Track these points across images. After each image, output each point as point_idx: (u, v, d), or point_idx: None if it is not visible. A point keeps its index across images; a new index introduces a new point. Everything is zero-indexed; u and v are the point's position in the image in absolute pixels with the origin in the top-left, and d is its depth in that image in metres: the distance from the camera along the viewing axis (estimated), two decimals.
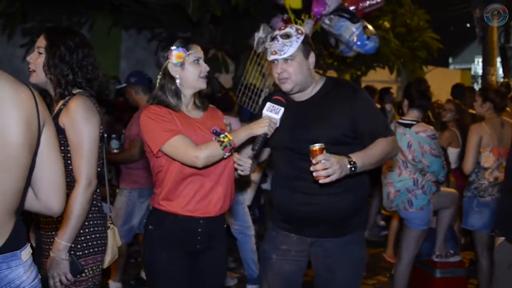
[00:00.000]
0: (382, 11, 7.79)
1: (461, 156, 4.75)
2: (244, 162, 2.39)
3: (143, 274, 4.44)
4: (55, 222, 2.28)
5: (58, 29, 2.49)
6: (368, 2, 5.03)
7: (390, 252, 5.40)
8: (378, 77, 10.77)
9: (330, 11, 4.77)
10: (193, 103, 2.51)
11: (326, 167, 2.19)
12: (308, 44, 2.47)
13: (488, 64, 11.64)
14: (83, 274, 2.32)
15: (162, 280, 2.44)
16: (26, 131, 1.54)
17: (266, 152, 2.77)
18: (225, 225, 2.66)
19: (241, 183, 4.21)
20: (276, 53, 2.42)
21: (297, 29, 2.46)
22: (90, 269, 2.35)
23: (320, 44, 5.98)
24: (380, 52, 7.83)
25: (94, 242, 2.36)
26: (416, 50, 9.47)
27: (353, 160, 2.29)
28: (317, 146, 2.21)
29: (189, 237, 2.44)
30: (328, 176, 2.20)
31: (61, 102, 2.33)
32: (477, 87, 14.31)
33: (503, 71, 13.97)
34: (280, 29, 2.49)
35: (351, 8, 4.89)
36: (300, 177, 2.47)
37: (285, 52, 2.40)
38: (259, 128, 2.32)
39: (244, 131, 2.35)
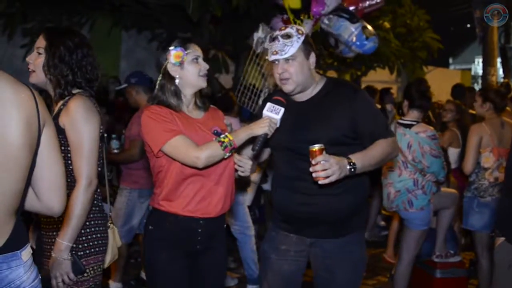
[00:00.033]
0: (382, 12, 7.79)
1: (461, 157, 4.75)
2: (244, 163, 2.39)
3: (143, 275, 4.45)
4: (56, 222, 2.29)
5: (57, 30, 2.49)
6: (367, 2, 5.02)
7: (391, 252, 5.40)
8: (378, 78, 10.78)
9: (329, 11, 4.77)
10: (194, 103, 2.51)
11: (326, 168, 2.19)
12: (308, 44, 2.47)
13: (488, 64, 11.64)
14: (85, 274, 2.32)
15: (162, 280, 2.44)
16: (26, 131, 1.54)
17: (266, 153, 2.77)
18: (225, 225, 2.66)
19: (241, 183, 4.21)
20: (277, 53, 2.42)
21: (297, 30, 2.46)
22: (91, 269, 2.35)
23: (320, 44, 5.99)
24: (380, 53, 7.85)
25: (95, 242, 2.36)
26: (416, 50, 9.48)
27: (353, 161, 2.28)
28: (316, 147, 2.21)
29: (189, 237, 2.44)
30: (328, 177, 2.20)
31: (61, 102, 2.33)
32: (477, 87, 14.31)
33: (503, 72, 13.98)
34: (280, 30, 2.48)
35: (351, 8, 4.89)
36: (300, 178, 2.46)
37: (286, 52, 2.40)
38: (259, 128, 2.32)
39: (244, 131, 2.36)
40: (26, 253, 1.61)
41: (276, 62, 2.45)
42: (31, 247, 1.69)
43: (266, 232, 2.85)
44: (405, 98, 4.10)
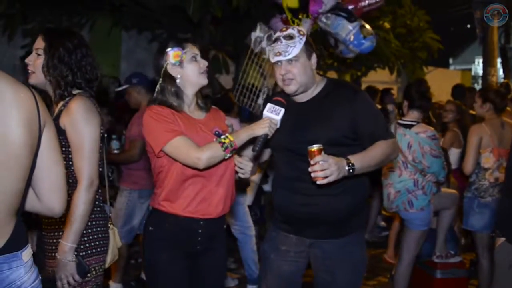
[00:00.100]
0: (382, 12, 7.80)
1: (461, 157, 4.75)
2: (245, 165, 2.39)
3: (143, 275, 4.44)
4: (57, 222, 2.29)
5: (56, 31, 2.49)
6: (367, 1, 5.01)
7: (391, 253, 5.40)
8: (379, 78, 10.78)
9: (327, 9, 4.77)
10: (196, 103, 2.52)
11: (324, 168, 2.19)
12: (310, 45, 2.47)
13: (488, 64, 11.63)
14: (88, 275, 2.32)
15: (162, 280, 2.44)
16: (27, 131, 1.55)
17: (267, 153, 2.77)
18: (225, 226, 2.66)
19: (241, 184, 4.21)
20: (280, 54, 2.41)
21: (299, 30, 2.46)
22: (93, 269, 2.35)
23: (320, 44, 5.98)
24: (381, 53, 7.84)
25: (97, 243, 2.37)
26: (416, 50, 9.49)
27: (352, 162, 2.28)
28: (315, 147, 2.22)
29: (189, 238, 2.44)
30: (326, 177, 2.20)
31: (61, 103, 2.33)
32: (477, 87, 14.31)
33: (504, 72, 13.97)
34: (281, 31, 2.48)
35: (350, 7, 4.88)
36: (300, 178, 2.46)
37: (289, 53, 2.40)
38: (260, 129, 2.33)
39: (245, 132, 2.36)
40: (26, 254, 1.62)
41: (279, 63, 2.45)
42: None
43: (267, 232, 2.85)
44: (405, 99, 4.10)
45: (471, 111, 5.67)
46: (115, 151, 4.42)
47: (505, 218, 2.58)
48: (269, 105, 2.40)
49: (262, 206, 5.54)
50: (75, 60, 2.33)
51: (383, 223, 6.61)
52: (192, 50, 2.44)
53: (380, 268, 5.27)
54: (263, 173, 4.87)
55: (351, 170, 2.28)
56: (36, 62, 2.35)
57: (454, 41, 23.02)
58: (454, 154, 5.13)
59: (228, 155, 2.31)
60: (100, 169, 2.36)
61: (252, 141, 2.36)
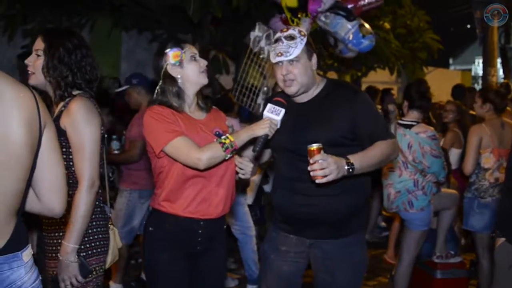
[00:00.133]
0: (382, 12, 7.80)
1: (462, 157, 4.75)
2: (245, 165, 2.39)
3: (143, 276, 4.44)
4: (58, 223, 2.29)
5: (56, 31, 2.49)
6: (366, 0, 5.01)
7: (391, 253, 5.40)
8: (379, 78, 10.78)
9: (326, 8, 4.76)
10: (196, 104, 2.52)
11: (323, 167, 2.19)
12: (310, 46, 2.48)
13: (488, 65, 11.64)
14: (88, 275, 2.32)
15: (163, 281, 2.44)
16: (27, 131, 1.55)
17: (267, 154, 2.77)
18: (225, 226, 2.66)
19: (241, 184, 4.21)
20: (281, 54, 2.41)
21: (299, 31, 2.46)
22: (93, 270, 2.35)
23: (320, 44, 5.98)
24: (381, 53, 7.84)
25: (97, 243, 2.37)
26: (416, 51, 9.49)
27: (351, 162, 2.28)
28: (314, 146, 2.22)
29: (189, 238, 2.44)
30: (325, 176, 2.20)
31: (62, 104, 2.33)
32: (477, 88, 14.31)
33: (504, 72, 13.98)
34: (282, 31, 2.48)
35: (349, 6, 4.88)
36: (300, 179, 2.46)
37: (291, 53, 2.40)
38: (260, 129, 2.33)
39: (245, 133, 2.36)
40: (27, 254, 1.62)
41: (280, 64, 2.45)
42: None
43: (267, 233, 2.85)
44: (405, 99, 4.10)
45: (471, 111, 5.67)
46: (115, 152, 4.42)
47: (505, 218, 2.58)
48: (269, 105, 2.40)
49: (262, 206, 5.54)
50: (75, 60, 2.33)
51: (383, 224, 6.61)
52: (191, 50, 2.45)
53: (380, 268, 5.27)
54: (263, 174, 4.87)
55: (350, 170, 2.28)
56: (36, 63, 2.35)
57: (454, 41, 23.04)
58: (454, 154, 5.14)
59: (229, 155, 2.31)
60: (101, 170, 2.37)
61: (252, 141, 2.37)
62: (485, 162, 4.15)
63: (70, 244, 2.22)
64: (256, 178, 4.72)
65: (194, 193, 2.38)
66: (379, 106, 6.09)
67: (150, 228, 2.48)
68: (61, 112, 2.29)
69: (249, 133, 2.35)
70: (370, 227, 6.15)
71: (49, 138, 1.65)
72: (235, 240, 4.60)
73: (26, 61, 2.40)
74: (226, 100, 4.96)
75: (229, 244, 3.27)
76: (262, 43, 4.54)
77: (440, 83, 11.09)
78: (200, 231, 2.43)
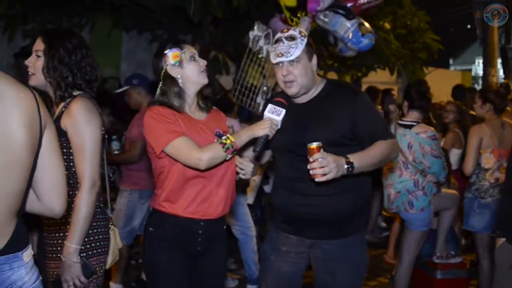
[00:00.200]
0: (382, 13, 7.79)
1: (462, 158, 4.75)
2: (245, 165, 2.40)
3: (143, 276, 4.44)
4: (58, 223, 2.29)
5: (55, 32, 2.50)
6: None
7: (391, 253, 5.40)
8: (379, 79, 10.76)
9: (325, 7, 4.76)
10: (197, 104, 2.52)
11: (323, 165, 2.19)
12: (310, 46, 2.48)
13: (488, 65, 11.63)
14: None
15: (163, 281, 2.44)
16: (28, 131, 1.55)
17: (267, 154, 2.77)
18: (226, 226, 2.66)
19: (241, 184, 4.21)
20: (282, 55, 2.41)
21: (300, 32, 2.46)
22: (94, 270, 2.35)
23: (320, 44, 5.98)
24: (381, 53, 7.83)
25: (98, 243, 2.37)
26: (416, 51, 9.47)
27: (351, 161, 2.29)
28: (314, 145, 2.22)
29: (190, 238, 2.44)
30: (325, 174, 2.20)
31: (62, 104, 2.33)
32: (478, 88, 14.32)
33: (504, 72, 13.97)
34: (282, 32, 2.48)
35: (348, 4, 4.87)
36: (300, 179, 2.47)
37: (291, 54, 2.40)
38: (261, 129, 2.33)
39: (246, 133, 2.36)
40: (27, 254, 1.62)
41: (280, 65, 2.45)
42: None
43: (267, 233, 2.85)
44: (405, 99, 4.11)
45: (471, 112, 5.68)
46: (115, 152, 4.43)
47: (506, 218, 2.58)
48: (270, 106, 2.41)
49: (262, 207, 5.55)
50: (75, 61, 2.33)
51: (383, 224, 6.61)
52: (190, 50, 2.45)
53: (381, 268, 5.27)
54: (264, 174, 4.87)
55: (350, 169, 2.28)
56: (36, 63, 2.35)
57: (455, 42, 23.04)
58: (455, 154, 5.14)
59: (229, 156, 2.31)
60: (101, 170, 2.37)
61: (253, 142, 2.37)
62: (485, 162, 4.15)
63: (72, 245, 2.22)
64: (257, 178, 4.72)
65: (194, 194, 2.39)
66: (380, 107, 6.08)
67: (150, 229, 2.48)
68: (61, 112, 2.30)
69: (250, 134, 2.35)
70: (371, 227, 6.15)
71: (49, 139, 1.65)
72: (236, 241, 4.60)
73: (26, 62, 2.40)
74: (225, 100, 4.97)
75: (229, 244, 3.27)
76: (261, 42, 4.54)
77: (440, 83, 11.08)
78: (200, 232, 2.43)
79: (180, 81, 2.42)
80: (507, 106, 4.53)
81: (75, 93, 2.35)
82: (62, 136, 2.22)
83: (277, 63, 2.45)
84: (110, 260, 2.48)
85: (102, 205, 2.43)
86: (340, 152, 2.31)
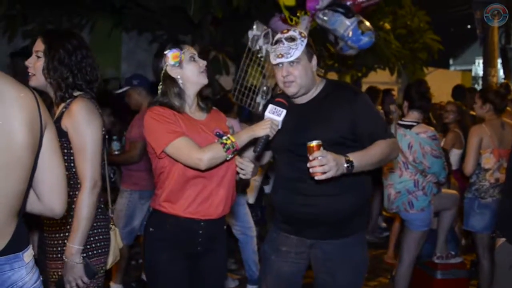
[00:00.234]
0: (382, 13, 7.79)
1: (462, 158, 4.75)
2: (246, 166, 2.40)
3: (144, 276, 4.45)
4: (59, 224, 2.29)
5: (55, 32, 2.50)
6: None
7: (391, 253, 5.40)
8: (379, 79, 10.76)
9: (324, 5, 4.76)
10: (197, 104, 2.52)
11: (323, 163, 2.20)
12: (310, 47, 2.48)
13: (488, 65, 11.63)
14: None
15: (163, 281, 2.44)
16: (29, 131, 1.55)
17: (268, 155, 2.77)
18: (226, 226, 2.67)
19: (241, 185, 4.21)
20: (282, 56, 2.42)
21: (300, 32, 2.47)
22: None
23: (320, 45, 5.97)
24: (381, 54, 7.84)
25: (98, 244, 2.37)
26: (416, 51, 9.48)
27: (350, 159, 2.29)
28: (314, 143, 2.22)
29: (190, 238, 2.44)
30: (324, 172, 2.20)
31: (63, 105, 2.34)
32: (478, 88, 14.32)
33: (504, 73, 13.97)
34: (282, 32, 2.49)
35: (348, 3, 4.87)
36: (301, 179, 2.47)
37: (291, 55, 2.40)
38: (261, 130, 2.34)
39: (246, 133, 2.37)
40: (28, 255, 1.62)
41: (280, 65, 2.45)
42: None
43: (268, 233, 2.86)
44: (405, 99, 4.11)
45: (471, 112, 5.68)
46: (116, 152, 4.43)
47: (506, 218, 2.58)
48: (270, 106, 2.41)
49: (263, 207, 5.55)
50: (75, 61, 2.33)
51: (383, 224, 6.61)
52: (189, 50, 2.45)
53: (381, 268, 5.27)
54: (264, 174, 4.87)
55: (349, 167, 2.28)
56: (36, 64, 2.35)
57: (455, 42, 23.03)
58: (455, 154, 5.14)
59: (230, 156, 2.31)
60: (102, 171, 2.37)
61: (253, 142, 2.37)
62: (486, 162, 4.15)
63: (74, 245, 2.23)
64: (257, 178, 4.72)
65: (194, 194, 2.39)
66: (380, 107, 6.08)
67: (151, 229, 2.48)
68: (62, 113, 2.30)
69: (250, 134, 2.35)
70: (371, 227, 6.15)
71: (49, 139, 1.65)
72: (236, 241, 4.60)
73: (26, 63, 2.41)
74: (225, 100, 4.97)
75: (229, 244, 3.27)
76: (260, 42, 4.54)
77: (441, 83, 11.07)
78: (200, 232, 2.43)
79: (180, 81, 2.42)
80: (507, 106, 4.53)
81: (76, 93, 2.35)
82: (63, 137, 2.22)
83: (277, 64, 2.46)
84: (111, 260, 2.49)
85: (102, 205, 2.43)
86: (341, 152, 2.31)
